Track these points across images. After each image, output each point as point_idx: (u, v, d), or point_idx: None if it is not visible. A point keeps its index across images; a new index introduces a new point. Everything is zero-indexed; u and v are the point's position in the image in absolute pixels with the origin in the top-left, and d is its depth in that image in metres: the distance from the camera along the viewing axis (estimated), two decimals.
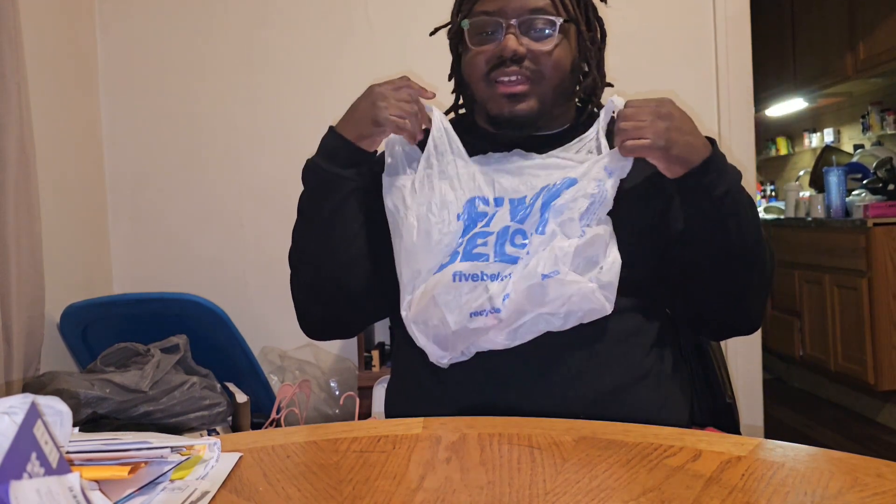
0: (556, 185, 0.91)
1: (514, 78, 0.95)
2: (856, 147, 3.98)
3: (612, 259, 0.89)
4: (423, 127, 0.95)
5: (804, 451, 0.66)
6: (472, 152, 0.97)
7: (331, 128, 0.98)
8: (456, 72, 1.09)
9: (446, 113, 1.14)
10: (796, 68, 4.15)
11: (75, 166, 2.27)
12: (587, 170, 0.91)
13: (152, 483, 0.59)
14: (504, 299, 0.85)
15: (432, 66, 2.48)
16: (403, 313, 0.91)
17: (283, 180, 2.42)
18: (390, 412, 1.03)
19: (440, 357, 0.91)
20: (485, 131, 1.04)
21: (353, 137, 0.94)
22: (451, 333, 0.87)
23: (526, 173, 0.93)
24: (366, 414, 1.99)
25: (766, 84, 4.28)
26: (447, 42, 1.09)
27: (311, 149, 1.02)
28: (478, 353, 0.91)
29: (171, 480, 0.60)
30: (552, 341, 0.89)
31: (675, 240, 0.96)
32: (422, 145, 0.96)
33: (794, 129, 4.77)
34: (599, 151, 0.93)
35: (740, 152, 2.37)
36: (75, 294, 2.13)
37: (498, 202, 0.92)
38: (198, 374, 1.91)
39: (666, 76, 2.38)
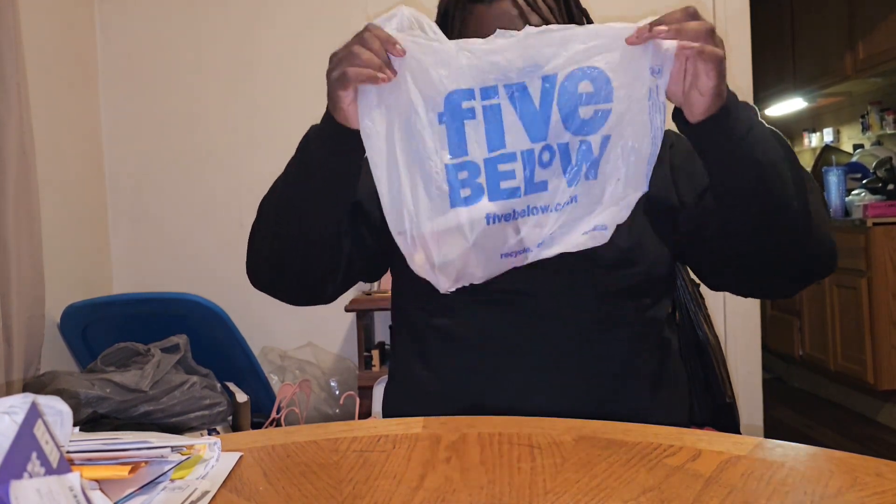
0: (568, 75, 0.75)
1: None
2: (855, 147, 3.98)
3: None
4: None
5: (804, 451, 0.66)
6: None
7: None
8: None
9: None
10: (796, 68, 4.15)
11: (75, 166, 2.27)
12: (621, 59, 0.74)
13: (152, 483, 0.59)
14: (539, 246, 0.79)
15: None
16: (406, 243, 0.78)
17: None
18: (388, 412, 1.03)
19: (447, 287, 0.81)
20: None
21: (333, 114, 0.82)
22: (475, 271, 0.79)
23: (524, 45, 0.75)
24: (366, 413, 1.99)
25: (766, 84, 4.28)
26: None
27: None
28: (478, 354, 0.91)
29: (172, 480, 0.60)
30: (552, 341, 0.89)
31: (698, 210, 0.91)
32: None
33: (793, 128, 4.77)
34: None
35: None
36: (75, 294, 2.13)
37: (487, 93, 0.75)
38: (198, 373, 1.91)
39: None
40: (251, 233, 0.98)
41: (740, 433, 0.98)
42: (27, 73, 1.80)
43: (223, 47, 2.44)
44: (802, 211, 0.83)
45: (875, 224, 3.00)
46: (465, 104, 0.75)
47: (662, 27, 0.74)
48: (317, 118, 0.89)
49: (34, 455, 0.39)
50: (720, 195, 0.85)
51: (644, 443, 0.69)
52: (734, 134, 0.79)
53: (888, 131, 3.76)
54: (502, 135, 0.76)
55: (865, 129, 3.94)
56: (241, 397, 1.97)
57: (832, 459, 0.64)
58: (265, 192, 0.97)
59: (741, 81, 2.42)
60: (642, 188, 0.79)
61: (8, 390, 1.71)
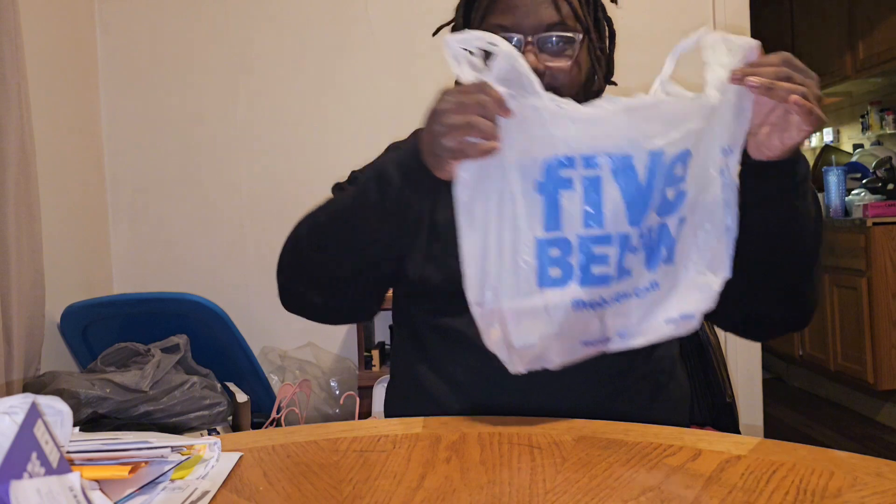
0: (673, 155, 0.70)
1: None
2: (855, 146, 3.98)
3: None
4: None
5: (804, 451, 0.66)
6: None
7: (418, 134, 0.80)
8: None
9: None
10: None
11: (75, 167, 2.27)
12: (697, 138, 0.70)
13: (152, 483, 0.59)
14: (621, 335, 0.76)
15: (432, 67, 2.48)
16: (483, 316, 0.74)
17: (283, 181, 2.42)
18: (390, 412, 1.03)
19: (520, 370, 0.75)
20: None
21: (423, 157, 0.77)
22: (554, 357, 0.75)
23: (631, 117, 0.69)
24: (366, 413, 1.99)
25: None
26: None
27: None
28: (481, 354, 0.91)
29: (172, 480, 0.60)
30: None
31: None
32: None
33: None
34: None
35: None
36: (75, 294, 2.13)
37: (590, 162, 0.69)
38: (198, 373, 1.91)
39: None
40: (290, 262, 0.93)
41: (740, 433, 0.98)
42: (27, 73, 1.80)
43: (223, 47, 2.44)
44: (816, 263, 0.86)
45: (875, 224, 3.00)
46: (564, 172, 0.69)
47: (764, 82, 0.70)
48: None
49: (34, 455, 0.39)
50: (752, 228, 0.80)
51: (644, 443, 0.69)
52: (794, 181, 0.79)
53: (888, 131, 3.76)
54: (601, 212, 0.69)
55: (865, 128, 3.94)
56: (241, 397, 1.97)
57: (832, 459, 0.64)
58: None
59: None
60: (723, 272, 0.75)
61: (8, 390, 1.71)
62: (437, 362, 0.94)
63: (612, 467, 0.63)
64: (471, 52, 0.71)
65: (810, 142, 4.53)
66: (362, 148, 2.14)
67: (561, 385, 0.90)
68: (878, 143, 3.83)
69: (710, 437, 0.70)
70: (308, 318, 1.01)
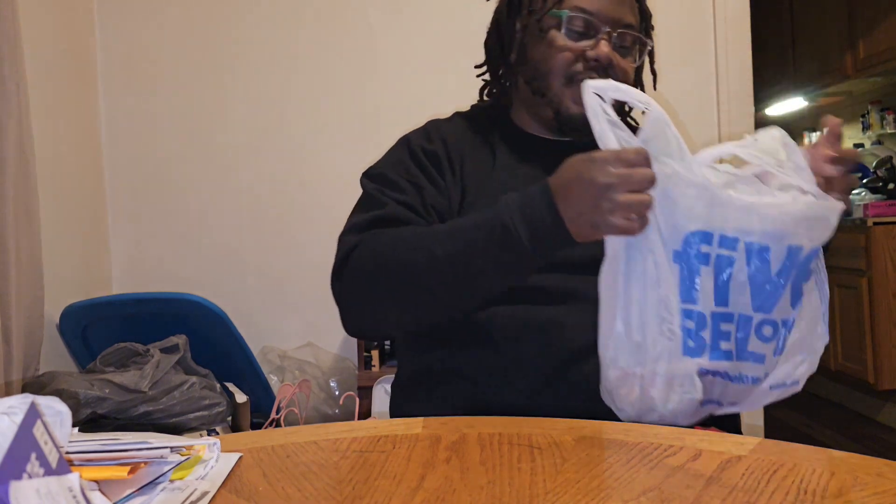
0: (804, 250, 0.74)
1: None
2: (856, 146, 3.98)
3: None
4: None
5: (804, 451, 0.66)
6: (509, 153, 0.95)
7: (548, 191, 0.75)
8: (517, 55, 1.01)
9: (482, 97, 1.11)
10: (796, 68, 4.15)
11: (75, 166, 2.27)
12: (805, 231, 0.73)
13: (152, 483, 0.59)
14: (731, 404, 0.79)
15: (432, 67, 2.48)
16: (624, 378, 0.74)
17: (283, 181, 2.42)
18: (395, 412, 1.03)
19: (631, 416, 0.78)
20: (520, 131, 1.03)
21: (568, 225, 0.73)
22: (680, 420, 0.76)
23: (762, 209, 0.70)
24: (366, 414, 1.99)
25: (766, 83, 4.28)
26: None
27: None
28: (492, 353, 0.91)
29: (171, 480, 0.60)
30: (562, 346, 0.89)
31: None
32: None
33: (793, 128, 4.77)
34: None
35: None
36: (75, 294, 2.13)
37: (729, 243, 0.70)
38: (197, 374, 1.91)
39: (666, 76, 2.37)
40: (386, 287, 0.87)
41: (741, 433, 0.98)
42: (26, 74, 1.80)
43: (223, 47, 2.44)
44: None
45: (875, 223, 3.01)
46: (703, 247, 0.70)
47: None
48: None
49: (33, 456, 0.39)
50: None
51: (644, 443, 0.69)
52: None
53: (888, 131, 3.76)
54: (727, 291, 0.72)
55: (866, 128, 3.95)
56: (241, 397, 1.97)
57: (832, 459, 0.63)
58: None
59: (741, 81, 2.42)
60: (823, 339, 0.82)
61: (7, 391, 1.71)
62: (446, 362, 0.94)
63: (613, 467, 0.63)
64: (601, 97, 0.70)
65: (811, 141, 4.53)
66: (362, 148, 2.14)
67: (567, 388, 0.89)
68: (878, 142, 3.84)
69: (711, 437, 0.70)
70: (369, 339, 1.01)
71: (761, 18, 3.18)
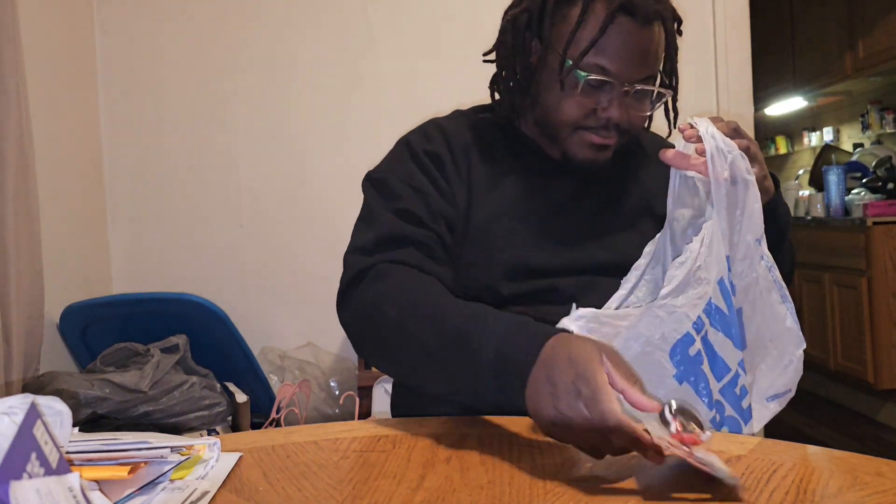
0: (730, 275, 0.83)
1: (607, 135, 0.95)
2: (855, 146, 3.98)
3: None
4: None
5: (804, 450, 0.66)
6: (514, 158, 0.97)
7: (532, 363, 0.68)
8: (527, 80, 0.99)
9: (484, 110, 1.08)
10: (796, 67, 4.15)
11: (75, 166, 2.27)
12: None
13: (152, 483, 0.59)
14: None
15: (432, 67, 2.48)
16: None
17: (282, 180, 2.42)
18: (398, 412, 1.03)
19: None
20: (528, 139, 1.03)
21: (527, 402, 0.67)
22: None
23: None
24: (365, 414, 1.99)
25: (766, 83, 4.29)
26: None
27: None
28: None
29: (171, 480, 0.60)
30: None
31: None
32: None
33: (793, 128, 4.77)
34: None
35: None
36: (75, 294, 2.13)
37: (697, 326, 0.78)
38: (197, 373, 1.91)
39: None
40: (364, 341, 0.89)
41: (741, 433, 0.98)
42: (26, 73, 1.80)
43: (222, 47, 2.44)
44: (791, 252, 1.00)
45: (875, 223, 3.01)
46: (692, 350, 0.77)
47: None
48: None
49: (34, 455, 0.39)
50: None
51: None
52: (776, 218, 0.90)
53: (888, 130, 3.76)
54: (723, 360, 0.79)
55: (865, 128, 3.95)
56: (241, 397, 1.97)
57: (832, 459, 0.64)
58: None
59: (741, 81, 2.42)
60: (800, 344, 0.84)
61: (7, 391, 1.71)
62: None
63: (613, 467, 0.63)
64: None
65: (810, 141, 4.53)
66: (362, 148, 2.14)
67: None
68: (878, 142, 3.84)
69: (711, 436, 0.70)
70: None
71: (761, 18, 3.19)
